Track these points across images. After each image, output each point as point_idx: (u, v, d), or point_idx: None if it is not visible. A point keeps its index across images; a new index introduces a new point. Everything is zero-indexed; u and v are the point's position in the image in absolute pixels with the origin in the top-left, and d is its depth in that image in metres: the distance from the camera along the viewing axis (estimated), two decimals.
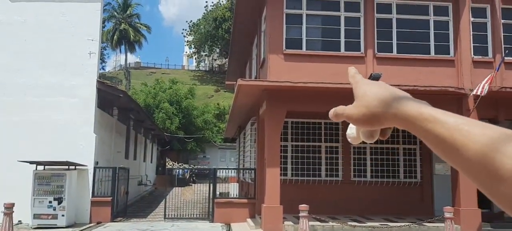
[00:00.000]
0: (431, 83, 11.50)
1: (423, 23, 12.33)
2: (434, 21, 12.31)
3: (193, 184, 26.81)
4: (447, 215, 9.94)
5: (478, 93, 10.75)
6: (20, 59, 14.33)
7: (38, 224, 12.45)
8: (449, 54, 12.22)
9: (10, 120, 13.86)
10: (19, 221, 12.53)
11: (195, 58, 79.01)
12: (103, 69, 70.10)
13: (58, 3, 14.73)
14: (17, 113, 13.92)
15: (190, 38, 71.69)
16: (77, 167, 13.30)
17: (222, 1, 65.21)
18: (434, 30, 12.27)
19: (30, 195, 12.63)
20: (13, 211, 10.55)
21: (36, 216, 12.52)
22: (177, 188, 19.05)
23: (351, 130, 0.85)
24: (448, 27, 12.33)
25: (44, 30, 14.51)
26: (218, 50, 68.11)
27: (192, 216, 14.49)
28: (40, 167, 13.04)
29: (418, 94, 11.05)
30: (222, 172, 16.73)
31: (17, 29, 14.50)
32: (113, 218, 13.87)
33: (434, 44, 12.23)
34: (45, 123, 13.83)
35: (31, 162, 12.67)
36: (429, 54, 12.18)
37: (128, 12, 61.23)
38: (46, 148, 13.36)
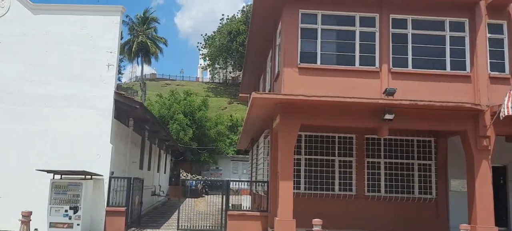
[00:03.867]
0: (446, 99, 11.43)
1: (439, 39, 12.29)
2: (450, 36, 12.27)
3: (205, 196, 26.88)
4: None
5: (506, 113, 10.58)
6: (41, 70, 14.68)
7: None
8: (465, 69, 12.15)
9: (29, 129, 14.16)
10: (35, 229, 12.68)
11: (210, 70, 79.68)
12: (119, 80, 71.14)
13: (78, 16, 15.09)
14: (36, 123, 14.21)
15: (205, 50, 72.50)
16: (93, 177, 13.49)
17: (237, 15, 65.94)
18: (450, 45, 12.23)
19: (46, 203, 12.85)
20: (30, 220, 10.76)
21: (52, 225, 12.71)
22: (189, 199, 19.12)
23: None
24: (464, 42, 12.28)
25: (64, 42, 14.85)
26: (232, 63, 68.63)
27: (204, 227, 14.54)
28: (57, 176, 13.27)
29: (434, 109, 11.02)
30: (235, 184, 16.75)
31: (38, 41, 14.88)
32: (127, 228, 13.98)
33: (450, 60, 12.17)
34: (63, 133, 14.10)
35: (48, 171, 12.91)
36: (445, 69, 12.13)
37: (146, 25, 62.13)
38: (63, 157, 13.60)
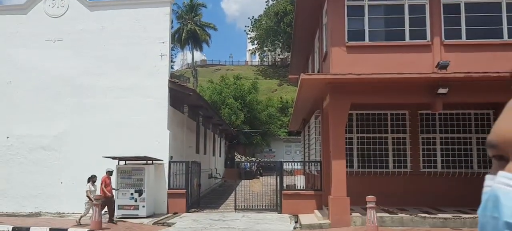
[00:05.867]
0: (505, 69, 10.91)
1: (494, 7, 11.74)
2: (506, 3, 11.67)
3: (260, 177, 27.49)
4: None
5: None
6: (100, 63, 15.67)
7: (122, 214, 13.60)
8: None
9: (94, 120, 15.25)
10: (105, 211, 13.75)
11: (258, 53, 79.92)
12: (171, 68, 73.13)
13: (131, 9, 15.87)
14: (101, 114, 15.26)
15: (253, 34, 72.69)
16: (154, 161, 14.31)
17: None
18: (506, 12, 11.64)
19: (114, 187, 13.82)
20: (101, 203, 11.69)
21: (120, 207, 13.68)
22: (244, 180, 19.70)
23: None
24: None
25: (120, 35, 15.73)
26: (280, 44, 68.40)
27: (260, 207, 15.01)
28: (122, 162, 14.21)
29: (491, 81, 10.64)
30: (288, 165, 17.06)
31: (96, 36, 15.86)
32: (188, 209, 14.75)
33: (507, 28, 11.60)
34: (124, 122, 15.03)
35: (114, 158, 13.86)
36: (502, 38, 11.59)
37: (194, 12, 63.25)
38: (126, 144, 14.53)
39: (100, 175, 14.08)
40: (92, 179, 12.35)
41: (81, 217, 12.08)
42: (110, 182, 12.74)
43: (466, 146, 13.34)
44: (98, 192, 12.21)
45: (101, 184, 12.35)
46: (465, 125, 13.44)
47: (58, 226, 12.19)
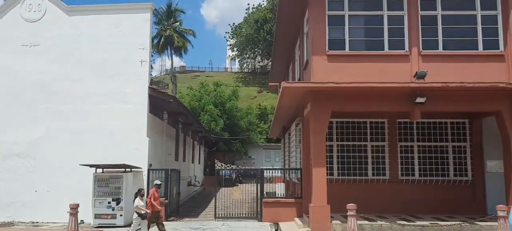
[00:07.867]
0: (480, 79, 11.24)
1: (470, 18, 12.03)
2: (481, 15, 12.00)
3: (239, 184, 27.39)
4: (500, 213, 9.72)
5: None
6: (78, 69, 15.38)
7: (99, 224, 13.32)
8: (498, 48, 11.87)
9: (70, 127, 14.92)
10: (81, 220, 13.42)
11: (238, 60, 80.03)
12: (150, 74, 72.14)
13: (111, 15, 15.66)
14: (77, 120, 14.95)
15: (233, 41, 72.79)
16: (133, 169, 14.07)
17: (263, 3, 65.74)
18: (482, 24, 11.96)
19: (90, 196, 13.53)
20: (78, 212, 11.40)
21: (97, 216, 13.40)
22: (224, 188, 19.58)
23: None
24: (497, 21, 11.96)
25: (99, 41, 15.49)
26: (260, 52, 68.68)
27: (241, 215, 14.93)
28: (99, 170, 13.93)
29: (467, 91, 10.86)
30: (268, 173, 17.04)
31: (74, 42, 15.57)
32: (167, 218, 14.54)
33: (482, 39, 11.91)
34: (102, 128, 14.76)
35: (91, 166, 13.59)
36: (477, 49, 11.90)
37: (172, 19, 62.63)
38: (104, 152, 14.27)
39: (76, 183, 13.82)
40: (140, 193, 11.39)
41: None
42: (159, 196, 11.99)
43: (443, 154, 13.62)
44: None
45: (149, 198, 11.51)
46: (441, 133, 13.73)
47: None
